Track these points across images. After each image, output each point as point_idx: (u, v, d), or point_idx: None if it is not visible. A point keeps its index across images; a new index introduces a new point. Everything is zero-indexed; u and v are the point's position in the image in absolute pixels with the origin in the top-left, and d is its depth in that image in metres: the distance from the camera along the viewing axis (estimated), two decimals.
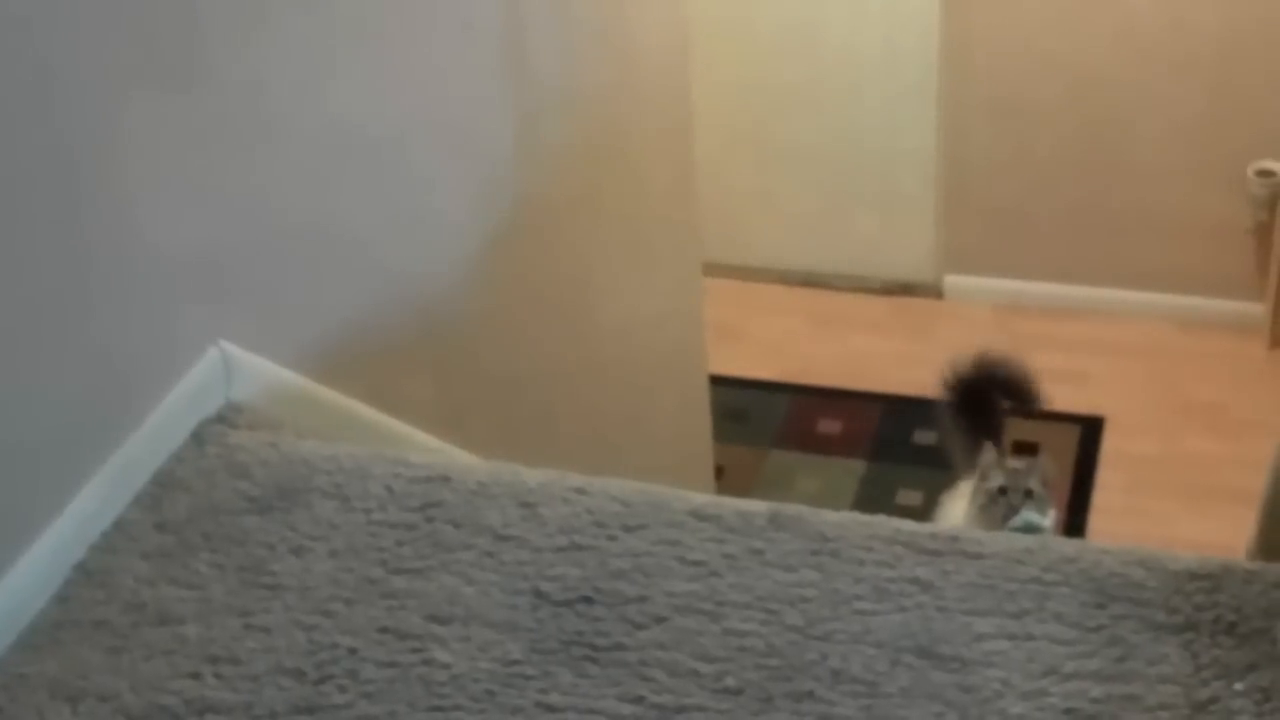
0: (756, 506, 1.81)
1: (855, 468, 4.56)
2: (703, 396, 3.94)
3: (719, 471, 4.26)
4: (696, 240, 3.81)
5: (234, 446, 1.95)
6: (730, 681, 1.61)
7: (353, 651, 1.67)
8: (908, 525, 1.79)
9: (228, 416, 1.99)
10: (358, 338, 2.30)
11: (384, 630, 1.69)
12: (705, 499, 1.83)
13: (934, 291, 5.33)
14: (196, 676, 1.64)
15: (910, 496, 4.38)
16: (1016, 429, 4.40)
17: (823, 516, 1.79)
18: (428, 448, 2.33)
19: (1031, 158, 5.06)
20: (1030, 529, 3.03)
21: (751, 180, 5.34)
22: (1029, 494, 3.11)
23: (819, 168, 5.29)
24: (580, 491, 1.84)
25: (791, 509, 1.80)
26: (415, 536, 1.80)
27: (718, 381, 4.13)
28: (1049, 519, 3.13)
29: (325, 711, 1.61)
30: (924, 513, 3.65)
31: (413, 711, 1.60)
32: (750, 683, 1.61)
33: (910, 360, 4.97)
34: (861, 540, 1.76)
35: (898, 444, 4.64)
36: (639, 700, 1.60)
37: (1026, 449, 4.59)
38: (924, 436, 4.63)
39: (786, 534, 1.77)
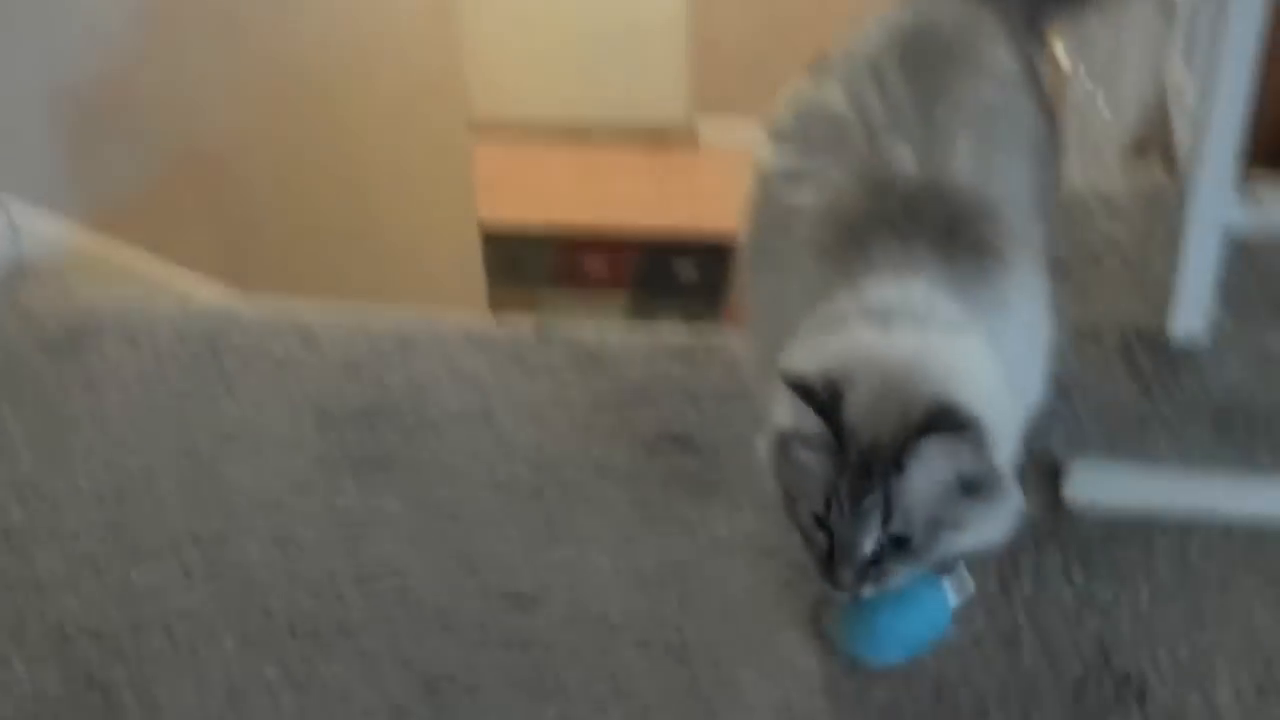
0: (524, 327, 1.88)
1: (621, 300, 4.71)
2: (474, 247, 3.99)
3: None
4: (461, 98, 3.83)
5: (23, 298, 1.96)
6: (502, 477, 1.69)
7: (150, 475, 1.71)
8: (665, 333, 1.87)
9: (15, 271, 2.01)
10: (143, 193, 2.31)
11: (178, 454, 1.73)
12: (477, 323, 1.90)
13: (689, 136, 5.42)
14: (2, 509, 1.68)
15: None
16: None
17: (586, 331, 1.87)
18: (212, 294, 2.36)
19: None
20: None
21: (508, 34, 5.35)
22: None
23: (572, 19, 5.32)
24: (358, 320, 1.90)
25: (557, 327, 1.88)
26: (203, 369, 1.84)
27: (488, 232, 4.18)
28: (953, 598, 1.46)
29: (126, 528, 1.65)
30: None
31: (207, 521, 1.65)
32: (519, 478, 1.69)
33: (667, 201, 5.09)
34: (622, 349, 1.84)
35: (659, 279, 4.80)
36: (420, 500, 1.67)
37: None
38: (683, 270, 4.80)
39: (552, 348, 1.84)
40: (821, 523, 1.26)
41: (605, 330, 1.88)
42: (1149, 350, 1.75)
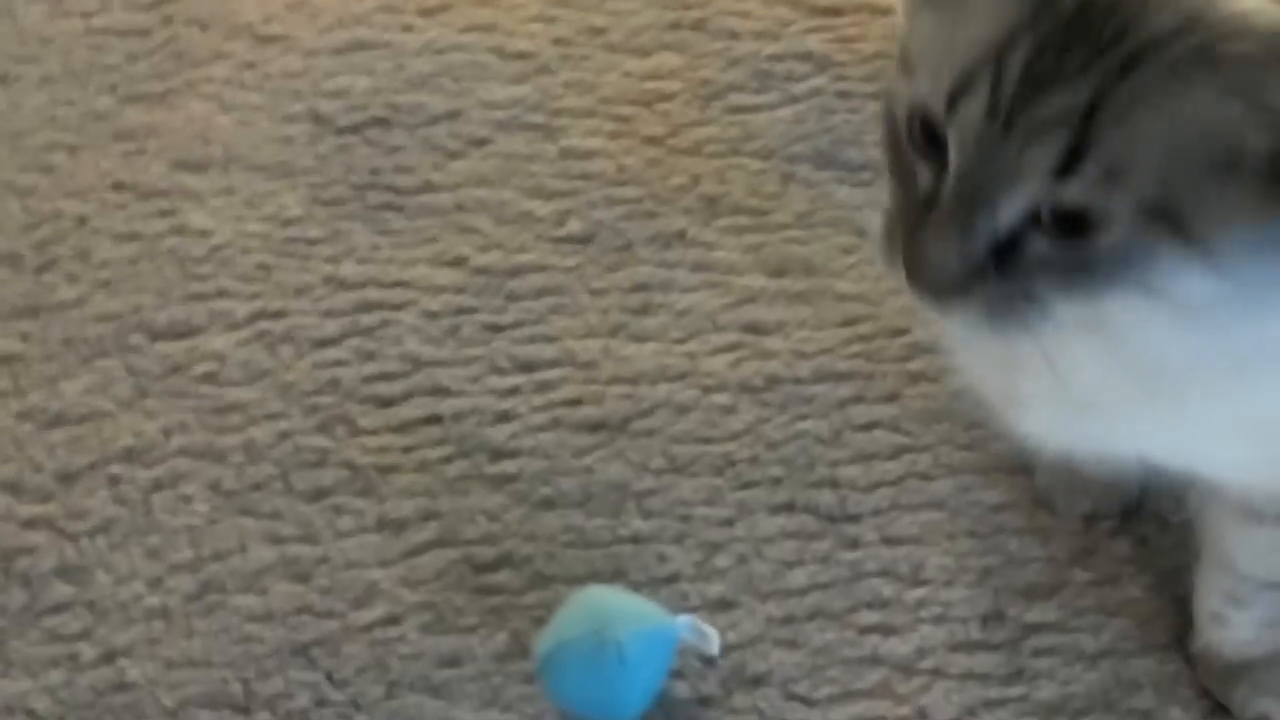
0: None
1: None
2: None
3: None
4: None
5: None
6: (576, 225, 1.16)
7: (82, 221, 1.20)
8: None
9: None
10: None
11: (120, 187, 1.21)
12: None
13: None
14: None
15: None
16: None
17: None
18: None
19: None
20: None
21: None
22: None
23: None
24: None
25: None
26: (151, 47, 1.29)
27: None
28: None
29: (53, 312, 1.15)
30: None
31: (164, 303, 1.15)
32: (602, 225, 1.16)
33: None
34: (735, 3, 1.27)
35: None
36: (460, 262, 1.16)
37: None
38: None
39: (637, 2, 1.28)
40: (934, 130, 0.64)
41: None
42: None
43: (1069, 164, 0.61)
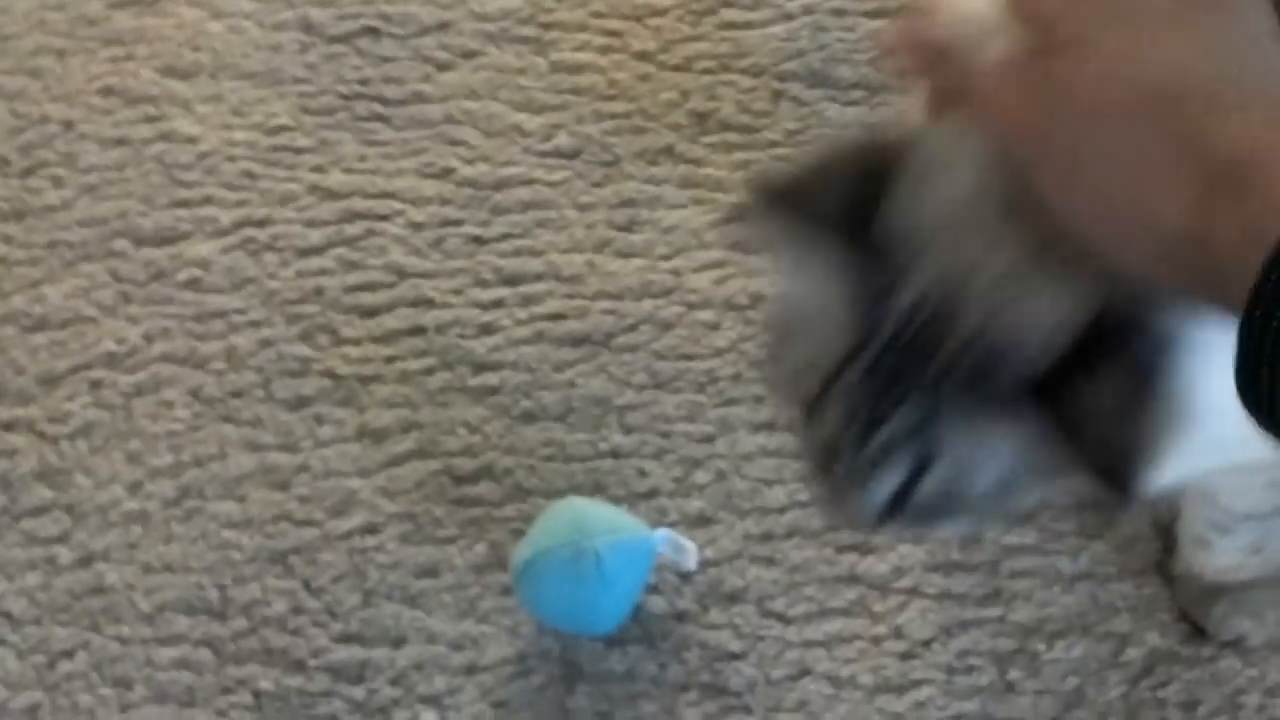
0: None
1: None
2: None
3: None
4: None
5: None
6: (564, 140, 1.15)
7: (69, 126, 1.18)
8: None
9: None
10: None
11: (108, 92, 1.20)
12: None
13: None
14: None
15: None
16: None
17: None
18: None
19: None
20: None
21: None
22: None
23: None
24: None
25: None
26: None
27: None
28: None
29: (37, 215, 1.14)
30: None
31: (149, 209, 1.14)
32: (590, 140, 1.15)
33: None
34: None
35: None
36: (447, 174, 1.14)
37: None
38: None
39: None
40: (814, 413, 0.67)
41: None
42: None
43: (921, 469, 0.64)
